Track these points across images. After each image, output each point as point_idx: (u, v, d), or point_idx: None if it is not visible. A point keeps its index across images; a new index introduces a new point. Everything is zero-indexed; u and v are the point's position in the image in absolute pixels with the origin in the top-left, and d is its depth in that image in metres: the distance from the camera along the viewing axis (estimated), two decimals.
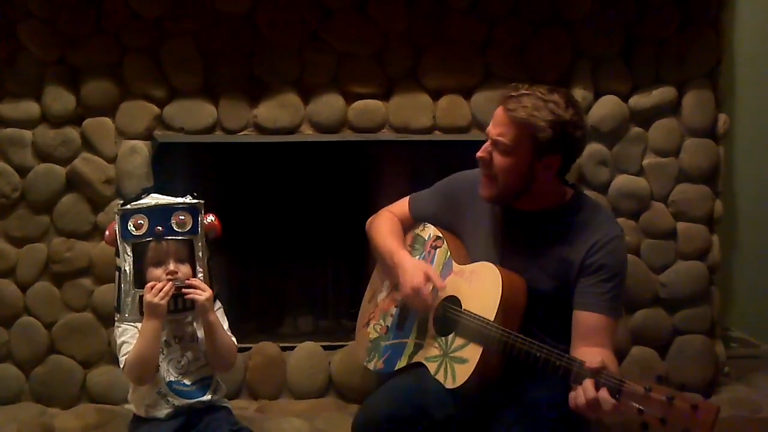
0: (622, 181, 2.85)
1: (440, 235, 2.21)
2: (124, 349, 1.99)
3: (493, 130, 1.95)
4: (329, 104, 2.77)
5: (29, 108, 2.73)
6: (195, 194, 2.11)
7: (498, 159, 1.93)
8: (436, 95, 2.79)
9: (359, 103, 2.78)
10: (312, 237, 3.10)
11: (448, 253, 2.15)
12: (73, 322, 2.78)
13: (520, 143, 1.90)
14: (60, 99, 2.71)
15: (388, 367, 2.19)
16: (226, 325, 2.11)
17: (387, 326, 2.25)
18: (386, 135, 2.80)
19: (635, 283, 2.85)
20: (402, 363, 2.15)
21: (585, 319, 1.92)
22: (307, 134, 2.78)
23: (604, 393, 1.61)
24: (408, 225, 2.32)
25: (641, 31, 2.80)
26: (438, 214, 2.24)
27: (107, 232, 2.06)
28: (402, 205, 2.34)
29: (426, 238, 2.25)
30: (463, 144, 2.65)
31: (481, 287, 1.98)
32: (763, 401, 2.80)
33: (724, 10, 2.88)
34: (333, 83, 2.77)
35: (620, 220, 2.83)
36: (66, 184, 2.75)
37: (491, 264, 1.99)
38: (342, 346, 2.86)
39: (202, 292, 1.99)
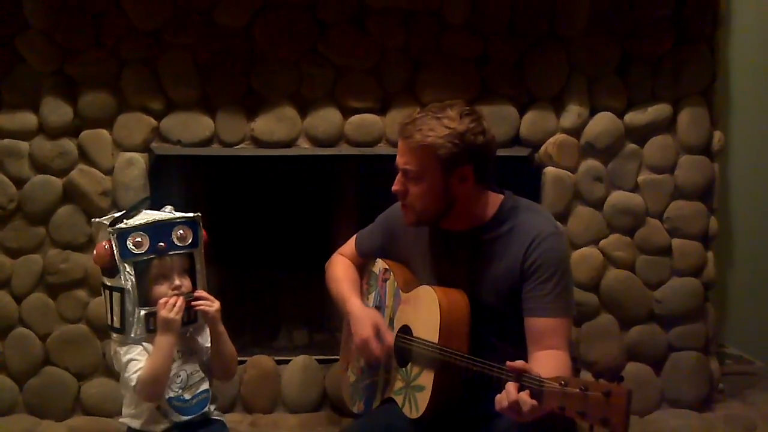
0: (617, 197, 2.86)
1: (387, 267, 2.23)
2: (133, 366, 1.95)
3: (399, 160, 1.96)
4: (326, 118, 2.77)
5: (26, 119, 2.73)
6: (174, 207, 2.10)
7: (412, 187, 1.95)
8: None
9: (356, 117, 2.79)
10: (308, 250, 3.09)
11: (395, 283, 2.17)
12: (67, 333, 2.77)
13: (427, 166, 1.91)
14: (57, 110, 2.72)
15: (367, 408, 2.20)
16: None
17: (361, 367, 2.26)
18: (383, 149, 2.80)
19: (630, 298, 2.86)
20: (377, 401, 2.15)
21: (534, 324, 1.92)
22: (304, 148, 2.79)
23: (524, 395, 1.60)
24: (360, 264, 2.34)
25: (637, 48, 2.81)
26: (384, 247, 2.26)
27: (95, 252, 2.00)
28: (350, 246, 2.37)
29: (377, 273, 2.27)
30: None
31: (423, 311, 1.99)
32: (758, 418, 2.80)
33: (719, 28, 2.89)
34: (330, 97, 2.77)
35: (615, 236, 2.86)
36: (62, 196, 2.75)
37: (427, 286, 2.01)
38: (337, 360, 2.84)
39: (212, 303, 2.01)
